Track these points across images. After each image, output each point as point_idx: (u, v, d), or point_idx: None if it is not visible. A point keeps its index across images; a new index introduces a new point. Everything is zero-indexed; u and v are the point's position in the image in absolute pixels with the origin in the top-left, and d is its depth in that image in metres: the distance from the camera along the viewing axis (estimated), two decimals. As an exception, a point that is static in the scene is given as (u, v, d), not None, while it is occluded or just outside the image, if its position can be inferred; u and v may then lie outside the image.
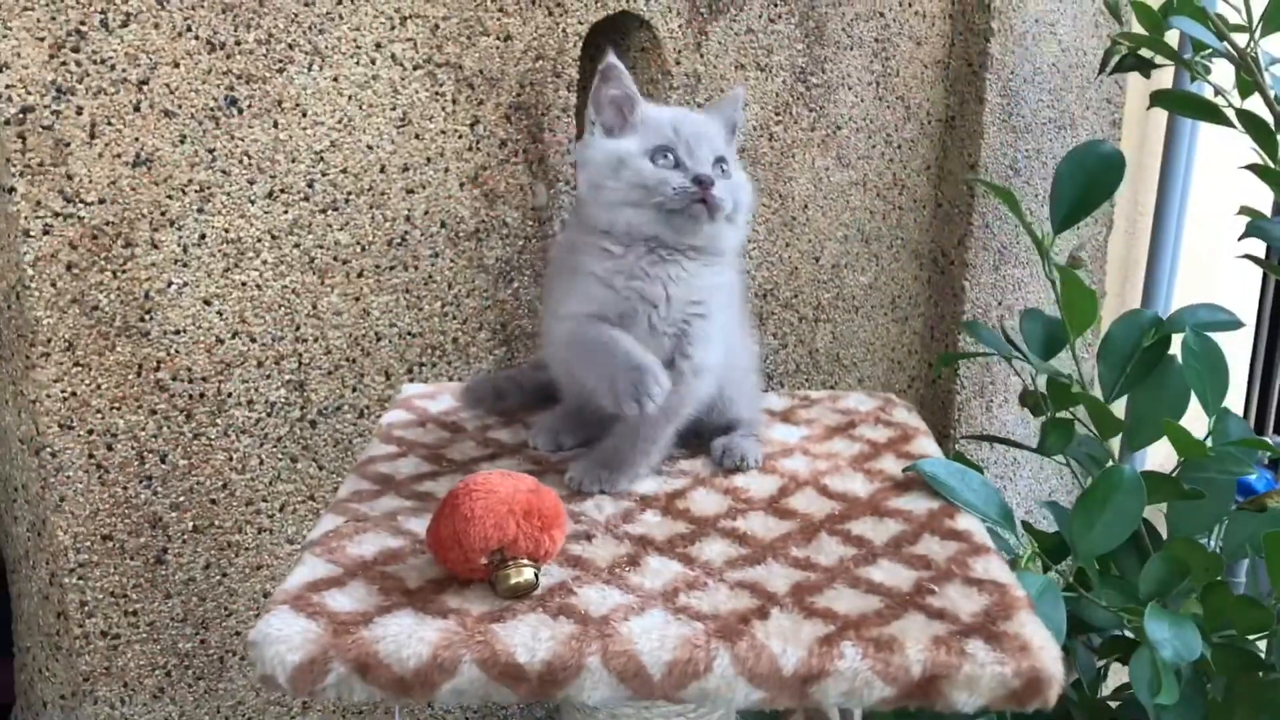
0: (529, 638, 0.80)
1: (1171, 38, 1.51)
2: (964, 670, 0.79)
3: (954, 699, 0.80)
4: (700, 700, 0.82)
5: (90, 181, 1.18)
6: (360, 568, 0.88)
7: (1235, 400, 2.67)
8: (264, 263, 1.31)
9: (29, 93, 1.13)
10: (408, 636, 0.79)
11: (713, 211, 0.99)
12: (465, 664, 0.79)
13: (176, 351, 1.26)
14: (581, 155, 1.05)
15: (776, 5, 1.67)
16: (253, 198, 1.28)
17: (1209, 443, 1.25)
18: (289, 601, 0.82)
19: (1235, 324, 1.32)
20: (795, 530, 0.97)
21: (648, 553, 0.92)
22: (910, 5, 1.82)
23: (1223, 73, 1.50)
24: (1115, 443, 1.36)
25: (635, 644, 0.80)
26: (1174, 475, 1.26)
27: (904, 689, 0.80)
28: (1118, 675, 1.54)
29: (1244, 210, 1.50)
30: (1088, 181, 1.31)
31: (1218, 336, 1.31)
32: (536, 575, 0.84)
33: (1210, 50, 1.42)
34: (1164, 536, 1.35)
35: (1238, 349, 2.57)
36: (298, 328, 1.34)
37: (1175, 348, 1.32)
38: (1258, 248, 2.21)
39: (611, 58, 1.04)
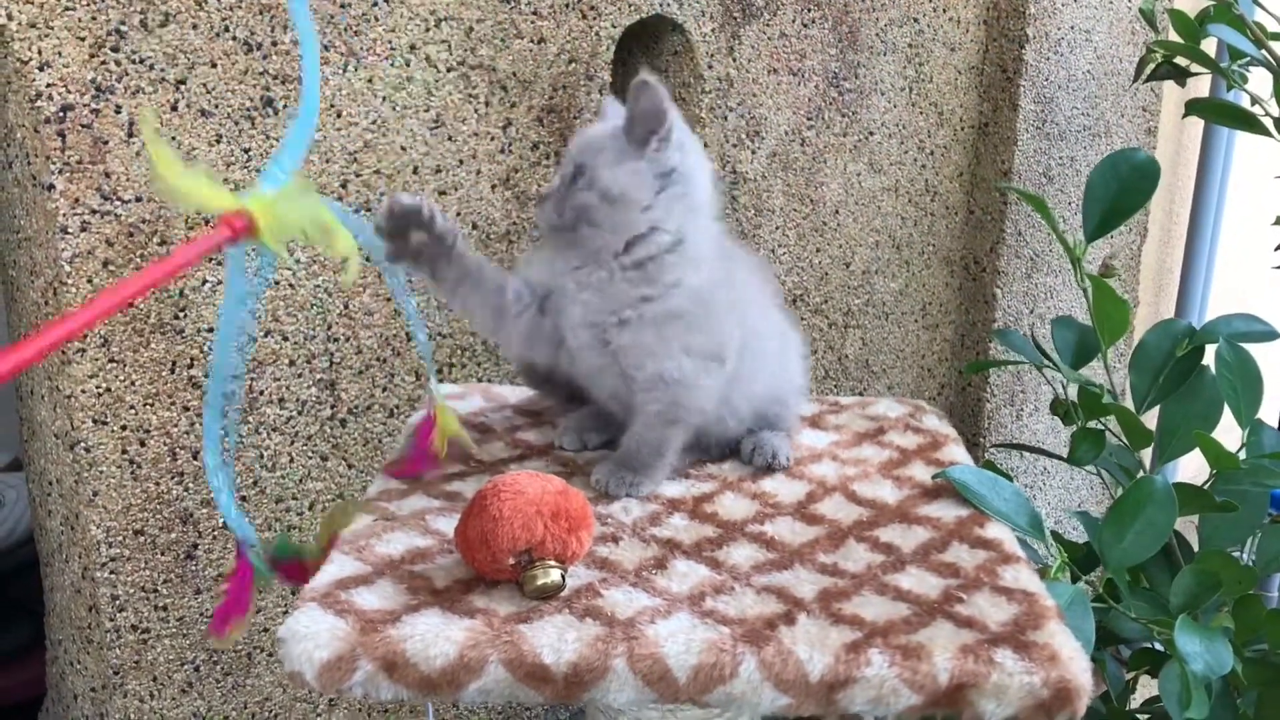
0: (555, 639, 0.80)
1: (1208, 46, 1.50)
2: (992, 679, 0.79)
3: (982, 708, 0.79)
4: (726, 705, 0.82)
5: (128, 179, 1.19)
6: (388, 566, 0.88)
7: (1271, 412, 2.64)
8: (297, 262, 1.32)
9: (69, 91, 1.15)
10: (435, 635, 0.80)
11: (542, 222, 1.03)
12: (491, 664, 0.79)
13: (210, 349, 1.27)
14: None
15: (810, 10, 1.67)
16: (287, 197, 1.29)
17: (1242, 455, 1.24)
18: (317, 599, 0.83)
19: (1271, 335, 1.31)
20: (823, 536, 0.96)
21: (675, 556, 0.92)
22: (945, 11, 1.82)
23: (1260, 81, 1.49)
24: (1149, 453, 1.36)
25: (661, 647, 0.80)
26: (1206, 487, 1.25)
27: (931, 697, 0.79)
28: (1146, 688, 1.53)
29: (1280, 220, 1.48)
30: (1121, 189, 1.30)
31: (1253, 348, 1.30)
32: (563, 577, 0.85)
33: (1248, 58, 1.41)
34: (1195, 549, 1.34)
35: (1275, 359, 2.54)
36: (329, 327, 1.35)
37: (1209, 358, 1.31)
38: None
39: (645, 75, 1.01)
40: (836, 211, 1.79)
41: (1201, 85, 2.07)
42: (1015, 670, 0.79)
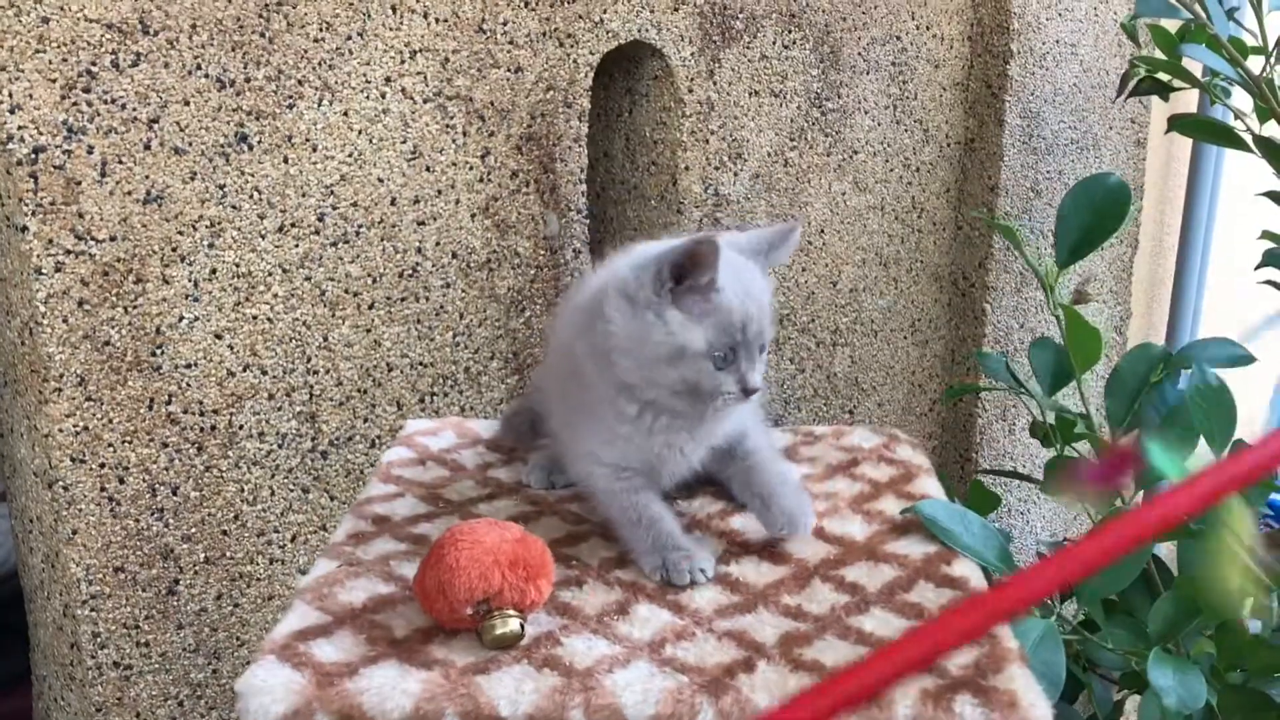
0: (512, 690, 0.80)
1: (1192, 61, 1.49)
2: (951, 727, 0.79)
3: (940, 755, 0.79)
4: (684, 753, 0.82)
5: (101, 219, 1.20)
6: (349, 616, 0.88)
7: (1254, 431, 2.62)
8: (275, 296, 1.32)
9: (41, 133, 1.15)
10: (391, 688, 0.80)
11: (733, 399, 0.97)
12: (448, 717, 0.79)
13: (188, 385, 1.28)
14: (633, 309, 0.94)
15: (790, 31, 1.66)
16: (263, 232, 1.30)
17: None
18: (275, 651, 0.83)
19: (1247, 359, 1.30)
20: (788, 576, 0.96)
21: (638, 599, 0.92)
22: (928, 28, 1.81)
23: (1244, 96, 1.48)
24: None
25: (619, 697, 0.80)
26: (1184, 512, 1.24)
27: (890, 745, 0.79)
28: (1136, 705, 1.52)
29: (1266, 235, 1.48)
30: (1094, 215, 1.29)
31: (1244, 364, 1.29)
32: (522, 626, 0.84)
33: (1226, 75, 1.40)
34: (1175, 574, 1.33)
35: (1268, 375, 2.52)
36: (309, 360, 1.36)
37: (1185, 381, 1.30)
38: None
39: (714, 238, 0.92)
40: (822, 231, 1.78)
41: (1190, 98, 2.06)
42: (973, 718, 0.79)
